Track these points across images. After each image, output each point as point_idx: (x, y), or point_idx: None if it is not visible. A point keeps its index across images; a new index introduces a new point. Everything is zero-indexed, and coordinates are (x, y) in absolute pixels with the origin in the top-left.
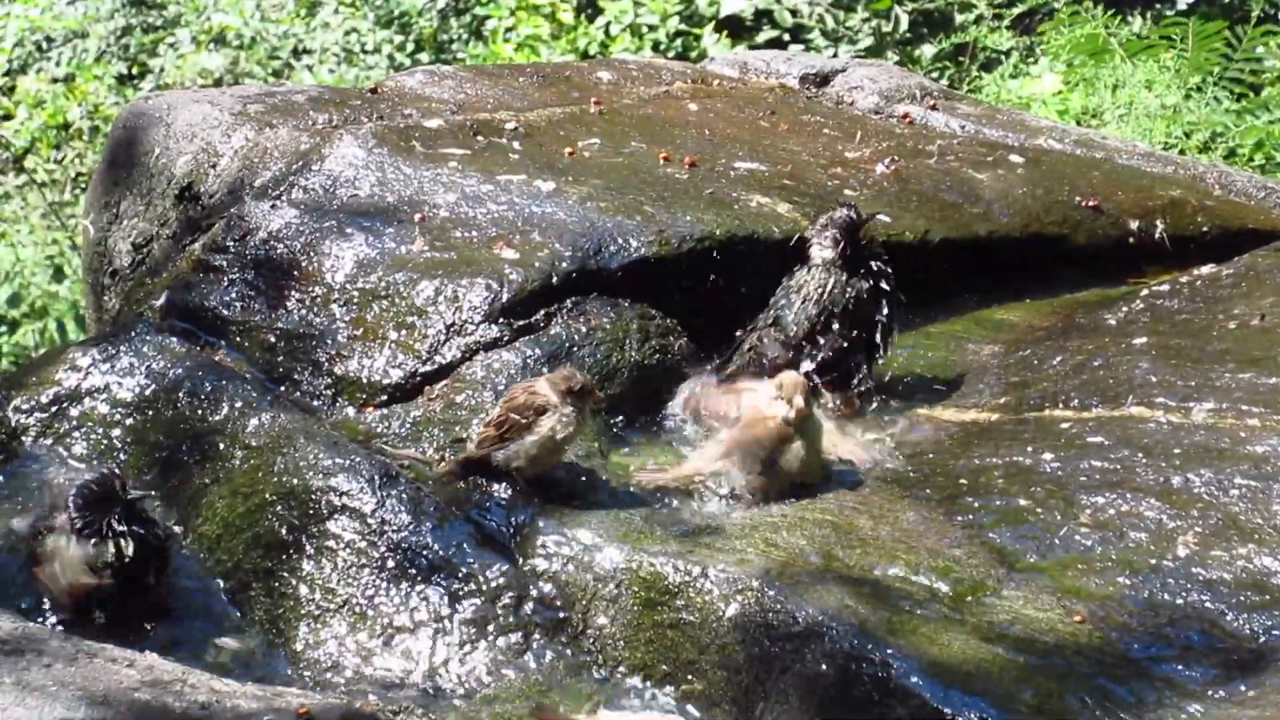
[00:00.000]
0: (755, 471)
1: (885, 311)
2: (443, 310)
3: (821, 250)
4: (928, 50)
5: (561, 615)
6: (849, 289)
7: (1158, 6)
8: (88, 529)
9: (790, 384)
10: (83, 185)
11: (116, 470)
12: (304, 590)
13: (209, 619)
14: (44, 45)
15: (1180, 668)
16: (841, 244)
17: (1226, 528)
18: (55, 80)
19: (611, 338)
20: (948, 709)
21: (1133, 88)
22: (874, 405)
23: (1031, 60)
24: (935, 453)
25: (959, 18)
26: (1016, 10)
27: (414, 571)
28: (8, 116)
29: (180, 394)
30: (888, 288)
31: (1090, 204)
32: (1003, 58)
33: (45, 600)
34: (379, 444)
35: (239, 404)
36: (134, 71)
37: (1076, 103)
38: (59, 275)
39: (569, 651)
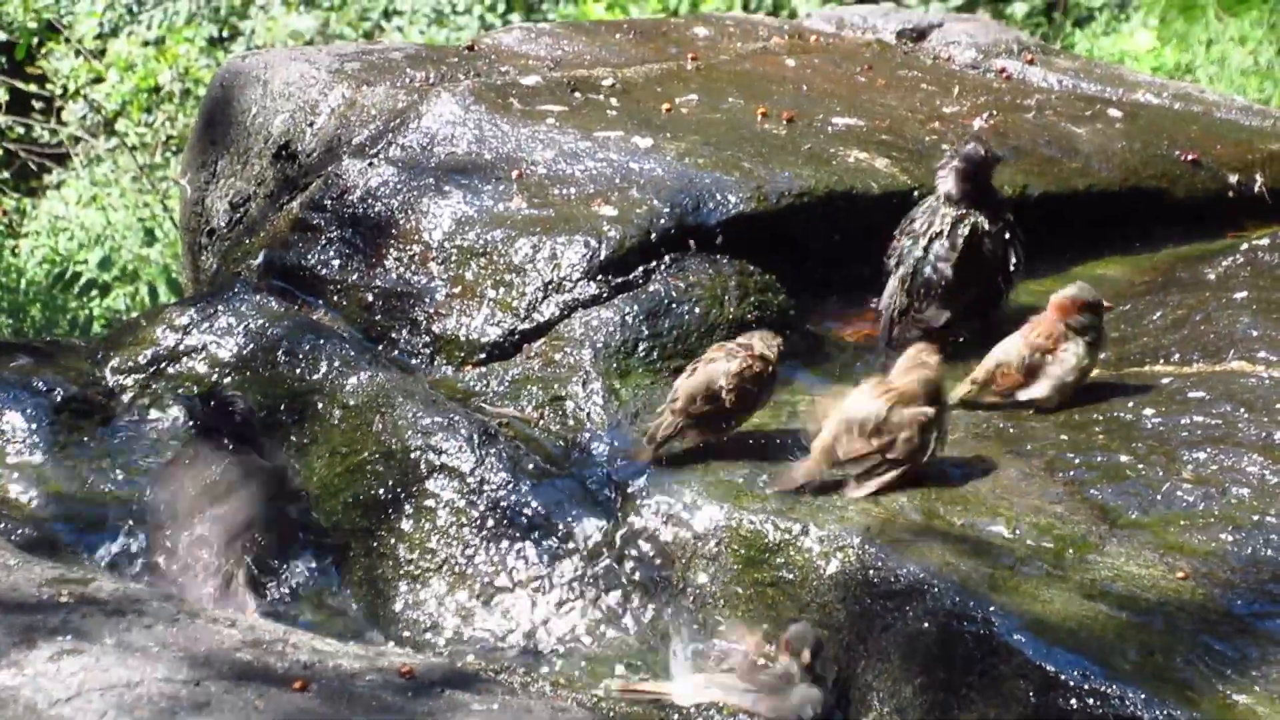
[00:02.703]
0: None
1: (1011, 254)
2: (541, 268)
3: (944, 184)
4: (1019, 7)
5: (661, 574)
6: (966, 226)
7: None
8: None
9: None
10: (174, 149)
11: None
12: (403, 550)
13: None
14: (134, 8)
15: None
16: (964, 179)
17: None
18: (146, 43)
19: (710, 294)
20: (1050, 666)
21: (1225, 44)
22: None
23: (1124, 17)
24: (1035, 408)
25: None
26: None
27: (513, 530)
28: (99, 80)
29: (278, 353)
30: (1012, 229)
31: (1189, 158)
32: (1095, 14)
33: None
34: (477, 402)
35: (337, 363)
36: (224, 34)
37: (1169, 59)
38: (150, 239)
39: (669, 610)
